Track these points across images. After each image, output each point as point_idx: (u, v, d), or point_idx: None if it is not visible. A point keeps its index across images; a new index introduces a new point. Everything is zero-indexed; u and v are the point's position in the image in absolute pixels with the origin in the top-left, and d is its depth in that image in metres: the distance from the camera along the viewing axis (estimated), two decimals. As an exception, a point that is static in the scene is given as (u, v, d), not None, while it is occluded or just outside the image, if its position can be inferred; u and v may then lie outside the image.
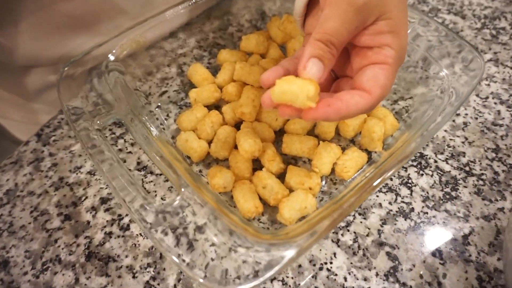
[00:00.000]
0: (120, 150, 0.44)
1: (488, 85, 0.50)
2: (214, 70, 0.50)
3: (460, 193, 0.41)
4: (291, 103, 0.28)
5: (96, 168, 0.43)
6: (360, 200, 0.32)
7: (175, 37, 0.53)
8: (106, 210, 0.40)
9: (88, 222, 0.39)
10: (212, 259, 0.31)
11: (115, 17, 0.48)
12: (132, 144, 0.45)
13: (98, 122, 0.36)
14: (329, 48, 0.29)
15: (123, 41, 0.42)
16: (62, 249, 0.38)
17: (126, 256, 0.37)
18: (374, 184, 0.33)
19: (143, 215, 0.32)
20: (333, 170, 0.40)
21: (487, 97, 0.49)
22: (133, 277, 0.36)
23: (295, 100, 0.28)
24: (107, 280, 0.36)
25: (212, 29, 0.56)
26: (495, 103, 0.48)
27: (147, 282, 0.36)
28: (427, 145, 0.44)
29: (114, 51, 0.42)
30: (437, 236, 0.38)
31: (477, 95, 0.49)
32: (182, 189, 0.33)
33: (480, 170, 0.42)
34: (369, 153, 0.42)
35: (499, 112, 0.47)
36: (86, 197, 0.41)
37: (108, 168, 0.34)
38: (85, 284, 0.35)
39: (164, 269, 0.36)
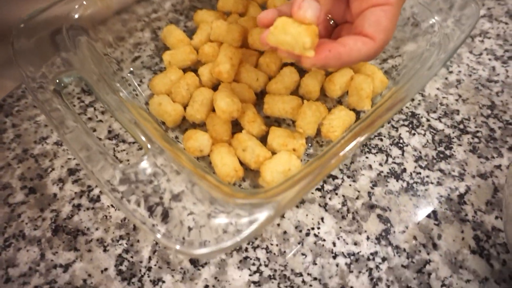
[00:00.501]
0: (90, 119, 0.41)
1: (482, 41, 0.47)
2: (191, 33, 0.46)
3: (454, 151, 0.38)
4: (288, 50, 0.26)
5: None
6: (345, 155, 0.30)
7: (148, 0, 0.49)
8: (75, 181, 0.37)
9: (55, 195, 0.36)
10: (190, 228, 0.28)
11: None
12: (102, 112, 0.41)
13: (56, 80, 0.33)
14: None
15: (87, 2, 0.39)
16: (26, 224, 0.34)
17: (97, 229, 0.34)
18: (362, 139, 0.30)
19: (114, 185, 0.29)
20: (319, 132, 0.37)
21: (480, 54, 0.46)
22: (104, 250, 0.33)
23: (292, 48, 0.26)
24: (75, 255, 0.33)
25: (189, -9, 0.53)
26: (490, 59, 0.45)
27: (120, 255, 0.33)
28: (418, 103, 0.42)
29: (76, 8, 0.38)
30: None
31: (471, 52, 0.46)
32: (149, 146, 0.30)
33: (475, 127, 0.40)
34: (357, 113, 0.39)
35: (493, 68, 0.44)
36: (53, 169, 0.38)
37: (72, 136, 0.30)
38: (52, 260, 0.32)
39: (138, 241, 0.33)
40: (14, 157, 0.39)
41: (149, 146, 0.30)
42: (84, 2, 0.39)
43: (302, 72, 0.40)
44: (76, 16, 0.38)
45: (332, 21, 0.34)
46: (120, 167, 0.29)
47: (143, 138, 0.31)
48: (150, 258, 0.33)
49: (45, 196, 0.36)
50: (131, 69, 0.44)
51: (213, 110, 0.37)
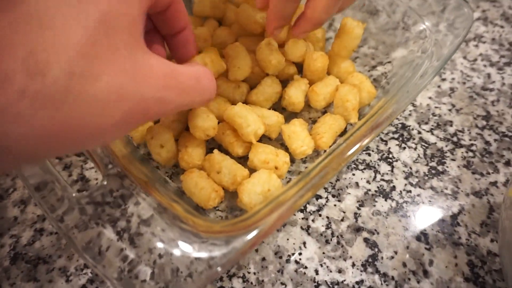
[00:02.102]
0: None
1: (477, 46, 0.44)
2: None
3: (447, 167, 0.35)
4: None
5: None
6: (332, 172, 0.27)
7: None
8: (37, 203, 0.34)
9: (16, 218, 0.33)
10: (160, 256, 0.26)
11: None
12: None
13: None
14: None
15: None
16: (-18, 251, 0.32)
17: (59, 257, 0.31)
18: (348, 154, 0.28)
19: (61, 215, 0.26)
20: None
21: (475, 59, 0.43)
22: (67, 280, 0.30)
23: None
24: (35, 286, 0.30)
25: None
26: (485, 66, 0.43)
27: (83, 286, 0.30)
28: (409, 114, 0.39)
29: None
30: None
31: (465, 58, 0.43)
32: (108, 173, 0.27)
33: (470, 140, 0.37)
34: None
35: (489, 75, 0.42)
36: (15, 189, 0.35)
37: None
38: (8, 292, 0.30)
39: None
40: (-28, 176, 0.36)
41: (108, 173, 0.27)
42: None
43: (284, 82, 0.38)
44: None
45: None
46: (71, 195, 0.26)
47: (105, 162, 0.28)
48: (116, 289, 0.30)
49: (5, 219, 0.33)
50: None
51: (187, 128, 0.35)
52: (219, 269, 0.24)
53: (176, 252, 0.26)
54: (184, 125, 0.35)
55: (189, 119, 0.32)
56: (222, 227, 0.25)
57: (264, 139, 0.36)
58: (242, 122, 0.31)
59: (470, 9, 0.34)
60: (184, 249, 0.26)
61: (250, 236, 0.24)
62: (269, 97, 0.36)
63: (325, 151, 0.35)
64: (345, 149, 0.28)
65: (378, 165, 0.36)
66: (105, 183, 0.27)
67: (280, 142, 0.37)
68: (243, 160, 0.34)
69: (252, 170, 0.32)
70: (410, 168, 0.35)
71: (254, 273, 0.30)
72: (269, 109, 0.36)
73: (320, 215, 0.33)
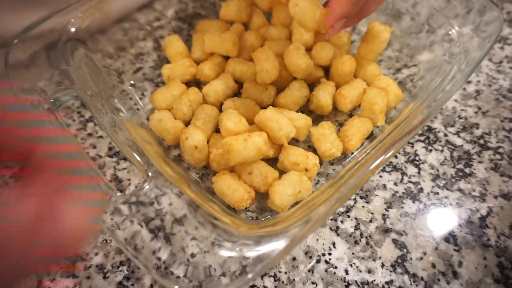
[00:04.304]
0: (90, 134, 0.39)
1: (502, 48, 0.44)
2: (195, 42, 0.45)
3: (475, 169, 0.36)
4: None
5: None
6: (361, 182, 0.28)
7: (150, 8, 0.47)
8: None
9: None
10: (193, 255, 0.27)
11: None
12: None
13: (51, 100, 0.31)
14: None
15: (83, 8, 0.37)
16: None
17: (96, 254, 0.32)
18: (376, 163, 0.28)
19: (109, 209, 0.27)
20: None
21: (501, 62, 0.43)
22: (104, 277, 0.31)
23: None
24: (74, 282, 0.31)
25: (192, -2, 0.51)
26: (510, 68, 0.43)
27: (120, 282, 0.31)
28: (435, 117, 0.39)
29: (73, 21, 0.36)
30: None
31: (490, 60, 0.44)
32: (150, 174, 0.28)
33: (497, 142, 0.37)
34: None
35: (515, 77, 0.42)
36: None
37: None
38: (49, 287, 0.31)
39: (139, 268, 0.32)
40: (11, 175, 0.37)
41: (150, 174, 0.28)
42: (80, 14, 0.37)
43: (310, 85, 0.38)
44: (73, 29, 0.37)
45: None
46: (116, 197, 0.27)
47: (142, 162, 0.29)
48: (152, 286, 0.31)
49: (43, 218, 0.35)
50: (132, 82, 0.42)
51: (217, 130, 0.35)
52: (250, 276, 0.24)
53: (209, 250, 0.26)
54: (215, 126, 0.36)
55: (220, 122, 0.33)
56: (260, 227, 0.26)
57: (292, 141, 0.37)
58: (274, 126, 0.31)
59: (500, 12, 0.34)
60: (217, 248, 0.27)
61: (284, 242, 0.25)
62: (297, 100, 0.37)
63: (352, 153, 0.36)
64: (377, 154, 0.28)
65: (405, 167, 0.36)
66: (145, 185, 0.28)
67: (307, 144, 0.37)
68: (271, 162, 0.35)
69: (282, 172, 0.33)
70: (437, 170, 0.36)
71: (285, 273, 0.31)
72: (297, 111, 0.36)
73: (348, 216, 0.33)
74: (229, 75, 0.38)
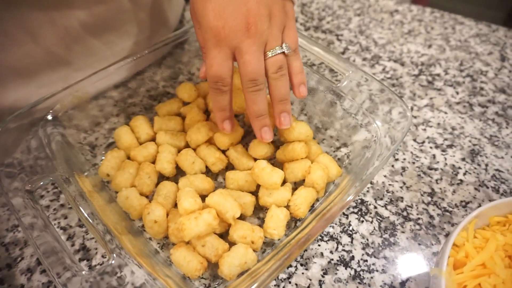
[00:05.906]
0: (62, 205, 0.44)
1: (425, 129, 0.53)
2: (163, 120, 0.51)
3: (398, 238, 0.42)
4: None
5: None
6: (297, 252, 0.33)
7: (125, 86, 0.53)
8: (43, 271, 0.39)
9: (22, 286, 0.38)
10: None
11: (59, 68, 0.49)
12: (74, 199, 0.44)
13: (29, 185, 0.36)
14: None
15: (64, 98, 0.43)
16: (-8, 317, 0.36)
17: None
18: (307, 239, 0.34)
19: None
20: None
21: (423, 142, 0.51)
22: None
23: None
24: None
25: (163, 78, 0.57)
26: (431, 147, 0.51)
27: None
28: (367, 191, 0.46)
29: (53, 109, 0.42)
30: (376, 284, 0.38)
31: (415, 140, 0.52)
32: (114, 255, 0.32)
33: (417, 214, 0.44)
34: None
35: (434, 156, 0.50)
36: (22, 258, 0.40)
37: (36, 235, 0.33)
38: None
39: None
40: (-15, 245, 0.40)
41: (114, 255, 0.33)
42: (63, 100, 0.43)
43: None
44: (51, 116, 0.42)
45: None
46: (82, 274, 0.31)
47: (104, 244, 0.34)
48: None
49: (13, 287, 0.38)
50: (104, 157, 0.47)
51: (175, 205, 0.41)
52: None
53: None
54: (174, 201, 0.41)
55: (178, 200, 0.38)
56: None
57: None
58: (221, 209, 0.37)
59: (408, 109, 0.42)
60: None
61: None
62: (241, 184, 0.43)
63: (296, 223, 0.41)
64: (311, 229, 0.34)
65: (340, 237, 0.42)
66: (109, 260, 0.32)
67: (257, 216, 0.43)
68: (224, 234, 0.40)
69: (233, 244, 0.38)
70: (367, 239, 0.42)
71: (232, 336, 0.35)
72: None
73: (289, 282, 0.38)
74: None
